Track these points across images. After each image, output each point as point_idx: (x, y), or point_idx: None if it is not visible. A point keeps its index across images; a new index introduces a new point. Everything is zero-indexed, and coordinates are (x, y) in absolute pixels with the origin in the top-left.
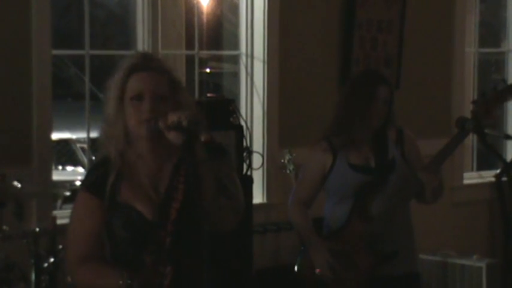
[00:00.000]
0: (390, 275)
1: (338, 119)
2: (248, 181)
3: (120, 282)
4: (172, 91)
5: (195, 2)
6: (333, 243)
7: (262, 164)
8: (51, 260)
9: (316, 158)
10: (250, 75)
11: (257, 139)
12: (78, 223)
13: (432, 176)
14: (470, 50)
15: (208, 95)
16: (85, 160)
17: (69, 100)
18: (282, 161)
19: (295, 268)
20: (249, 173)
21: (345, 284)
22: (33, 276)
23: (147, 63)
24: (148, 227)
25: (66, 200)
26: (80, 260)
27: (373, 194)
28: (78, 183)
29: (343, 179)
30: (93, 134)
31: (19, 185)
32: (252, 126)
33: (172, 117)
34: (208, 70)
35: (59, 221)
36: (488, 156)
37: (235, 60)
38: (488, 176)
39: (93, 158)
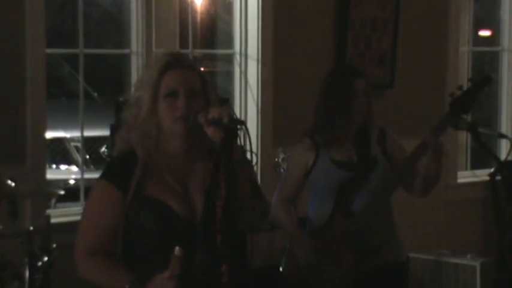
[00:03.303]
0: (375, 266)
1: (320, 117)
2: None
3: (127, 286)
4: (203, 87)
5: (189, 0)
6: (316, 241)
7: (256, 163)
8: (45, 258)
9: (299, 156)
10: (244, 74)
11: (251, 138)
12: (94, 213)
13: (440, 141)
14: (465, 49)
15: None
16: (79, 159)
17: (63, 99)
18: (276, 160)
19: (280, 268)
20: None
21: (329, 281)
22: (27, 275)
23: (179, 60)
24: (180, 222)
25: (60, 199)
26: (89, 252)
27: (355, 191)
28: (72, 182)
29: (326, 175)
30: (87, 133)
31: (13, 184)
32: (246, 125)
33: (213, 113)
34: (202, 69)
35: (53, 220)
36: (482, 155)
37: (229, 59)
38: (483, 174)
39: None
